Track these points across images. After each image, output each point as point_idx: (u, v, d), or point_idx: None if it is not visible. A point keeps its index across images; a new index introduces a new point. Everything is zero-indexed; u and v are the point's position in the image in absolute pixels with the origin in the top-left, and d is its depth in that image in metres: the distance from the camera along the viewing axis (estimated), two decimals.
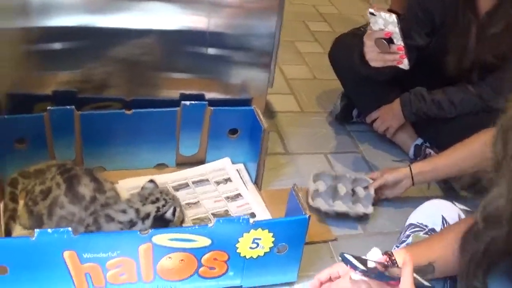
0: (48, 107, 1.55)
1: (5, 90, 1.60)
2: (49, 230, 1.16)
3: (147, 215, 1.34)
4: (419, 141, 1.96)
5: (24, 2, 1.47)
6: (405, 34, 1.59)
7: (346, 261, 0.98)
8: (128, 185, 1.65)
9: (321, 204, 1.69)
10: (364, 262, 0.99)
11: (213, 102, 1.70)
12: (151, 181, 1.46)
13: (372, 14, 1.53)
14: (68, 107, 1.55)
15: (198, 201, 1.65)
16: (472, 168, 1.65)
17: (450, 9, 1.72)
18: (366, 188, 1.72)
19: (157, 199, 1.37)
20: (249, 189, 1.71)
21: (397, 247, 1.30)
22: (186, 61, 1.70)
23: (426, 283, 1.00)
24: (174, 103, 1.66)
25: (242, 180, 1.74)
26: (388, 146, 2.03)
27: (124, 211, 1.34)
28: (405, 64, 1.59)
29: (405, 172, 1.70)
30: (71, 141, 1.61)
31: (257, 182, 1.73)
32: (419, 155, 1.94)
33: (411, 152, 1.97)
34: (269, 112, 2.13)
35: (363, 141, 2.08)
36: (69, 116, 1.56)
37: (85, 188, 1.40)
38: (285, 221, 1.34)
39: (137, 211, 1.34)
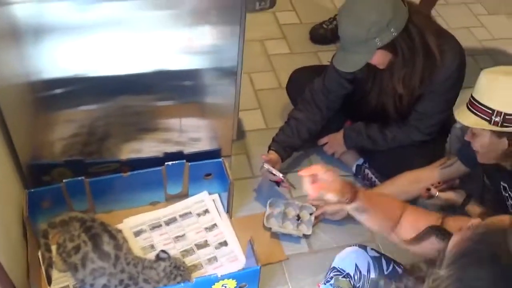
0: (64, 180, 2.29)
1: (28, 162, 2.32)
2: None
3: None
4: (360, 161, 2.70)
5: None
6: (332, 84, 2.49)
7: None
8: (132, 224, 2.44)
9: (273, 225, 2.48)
10: None
11: (189, 156, 2.44)
12: (164, 251, 2.20)
13: (268, 168, 2.44)
14: (79, 178, 2.30)
15: (184, 234, 2.43)
16: None
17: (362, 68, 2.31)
18: (311, 214, 2.48)
19: (176, 276, 2.12)
20: (222, 219, 2.49)
21: (324, 284, 2.06)
22: (165, 122, 2.39)
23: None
24: (160, 160, 2.41)
25: (217, 210, 2.52)
26: (336, 163, 2.77)
27: (157, 282, 2.12)
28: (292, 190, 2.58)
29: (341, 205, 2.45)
30: (84, 198, 2.38)
31: (229, 212, 2.50)
32: (359, 173, 2.69)
33: (353, 169, 2.72)
34: (240, 132, 2.85)
35: (316, 158, 2.83)
36: (81, 184, 2.32)
37: (108, 246, 2.16)
38: (244, 273, 2.13)
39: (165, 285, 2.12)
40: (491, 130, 1.88)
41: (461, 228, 1.48)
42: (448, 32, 2.37)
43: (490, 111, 1.84)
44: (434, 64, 2.25)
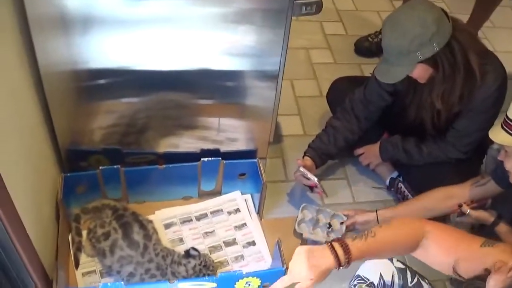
0: (100, 167, 2.34)
1: (66, 146, 2.39)
2: (109, 284, 2.00)
3: None
4: (394, 174, 2.71)
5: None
6: (372, 95, 2.51)
7: None
8: (163, 216, 2.49)
9: (304, 230, 2.50)
10: None
11: (225, 154, 2.48)
12: (194, 249, 2.21)
13: (303, 172, 2.46)
14: (115, 166, 2.35)
15: (214, 230, 2.47)
16: (426, 217, 2.39)
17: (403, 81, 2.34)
18: (341, 223, 2.50)
19: (204, 275, 2.15)
20: (252, 219, 2.52)
21: None
22: (204, 120, 2.44)
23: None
24: (196, 155, 2.45)
25: (248, 210, 2.55)
26: (371, 174, 2.80)
27: (185, 278, 2.14)
28: (324, 196, 2.64)
29: (372, 216, 2.48)
30: (118, 187, 2.43)
31: (259, 213, 2.53)
32: (393, 186, 2.70)
33: (387, 182, 2.73)
34: (277, 136, 2.89)
35: (351, 168, 2.85)
36: (116, 172, 2.37)
37: (137, 235, 2.20)
38: (268, 272, 2.16)
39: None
40: None
41: (497, 265, 1.49)
42: (492, 53, 2.37)
43: None
44: (475, 82, 2.25)
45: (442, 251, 1.65)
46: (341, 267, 1.54)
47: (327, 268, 1.52)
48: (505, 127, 1.92)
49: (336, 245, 1.54)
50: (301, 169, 2.48)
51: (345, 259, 1.53)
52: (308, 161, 2.56)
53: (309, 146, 2.62)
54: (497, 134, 1.95)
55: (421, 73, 2.25)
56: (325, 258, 1.53)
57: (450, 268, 1.63)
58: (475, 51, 2.24)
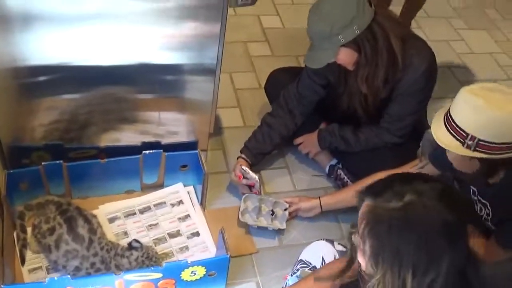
0: (43, 163, 2.35)
1: (8, 143, 2.39)
2: (55, 278, 2.01)
3: None
4: (333, 161, 2.79)
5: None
6: (305, 90, 2.59)
7: None
8: (107, 210, 2.51)
9: (248, 219, 2.55)
10: None
11: (167, 146, 2.52)
12: (136, 241, 2.24)
13: (244, 170, 2.52)
14: (57, 161, 2.36)
15: (157, 223, 2.50)
16: None
17: (335, 71, 2.48)
18: (285, 210, 2.56)
19: (147, 266, 2.18)
20: (196, 210, 2.56)
21: (291, 276, 2.15)
22: (144, 114, 2.47)
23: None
24: (138, 148, 2.48)
25: (191, 202, 2.59)
26: (310, 162, 2.88)
27: (128, 269, 2.16)
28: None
29: (315, 203, 2.54)
30: (61, 182, 2.44)
31: (202, 204, 2.58)
32: (332, 173, 2.78)
33: (326, 170, 2.81)
34: (217, 128, 2.94)
35: (290, 157, 2.94)
36: (59, 168, 2.38)
37: (82, 229, 2.22)
38: (213, 260, 2.21)
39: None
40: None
41: None
42: (418, 38, 2.46)
43: (465, 134, 1.82)
44: (397, 66, 2.33)
45: None
46: None
47: None
48: (447, 125, 1.89)
49: None
50: (243, 167, 2.55)
51: None
52: (243, 162, 2.64)
53: (244, 146, 2.69)
54: (440, 133, 1.91)
55: (346, 58, 2.32)
56: None
57: None
58: (398, 36, 2.31)
